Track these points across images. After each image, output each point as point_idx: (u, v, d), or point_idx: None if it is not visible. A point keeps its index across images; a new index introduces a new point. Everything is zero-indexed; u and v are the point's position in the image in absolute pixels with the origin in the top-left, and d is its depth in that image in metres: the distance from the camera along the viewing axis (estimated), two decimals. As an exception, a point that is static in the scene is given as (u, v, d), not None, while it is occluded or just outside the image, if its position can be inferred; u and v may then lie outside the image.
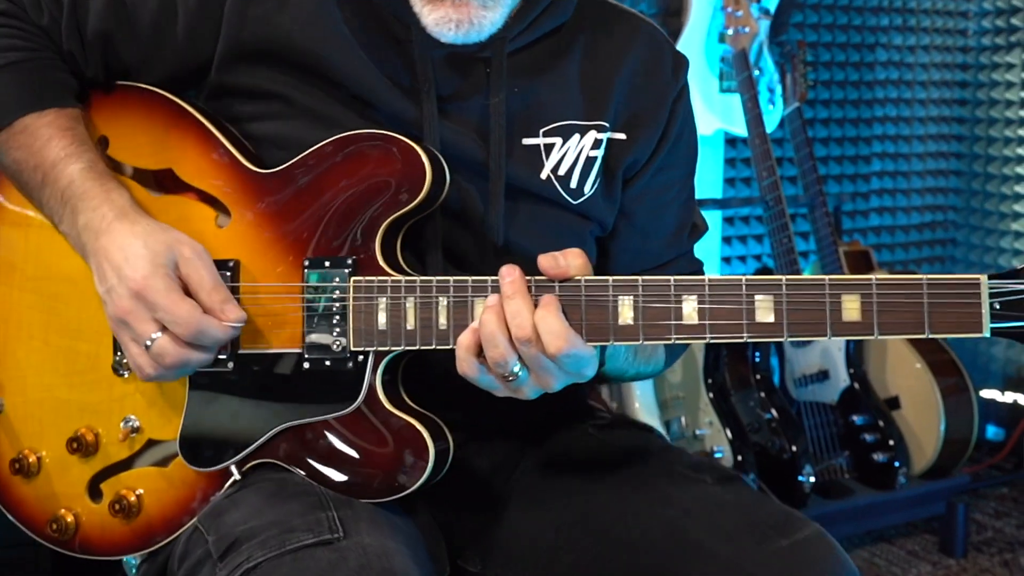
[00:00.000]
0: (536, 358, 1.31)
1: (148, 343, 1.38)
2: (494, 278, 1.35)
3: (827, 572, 1.38)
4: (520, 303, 1.31)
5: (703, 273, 1.75)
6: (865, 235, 4.58)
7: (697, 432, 3.39)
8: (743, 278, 1.33)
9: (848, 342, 3.58)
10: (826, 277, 1.31)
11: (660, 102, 1.61)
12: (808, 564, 1.38)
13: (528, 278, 1.34)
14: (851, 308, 1.30)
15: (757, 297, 1.32)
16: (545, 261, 1.34)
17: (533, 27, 1.53)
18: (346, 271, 1.42)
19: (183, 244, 1.41)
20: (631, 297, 1.34)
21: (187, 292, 1.40)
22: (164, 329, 1.38)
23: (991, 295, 1.28)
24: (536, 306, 1.31)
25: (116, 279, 1.39)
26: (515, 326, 1.30)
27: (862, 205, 4.58)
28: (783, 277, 1.32)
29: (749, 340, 1.33)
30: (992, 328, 1.28)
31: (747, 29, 3.58)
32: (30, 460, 1.58)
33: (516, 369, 1.32)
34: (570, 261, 1.34)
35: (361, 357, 1.42)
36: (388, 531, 1.35)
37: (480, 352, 1.33)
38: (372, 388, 1.41)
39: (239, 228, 1.48)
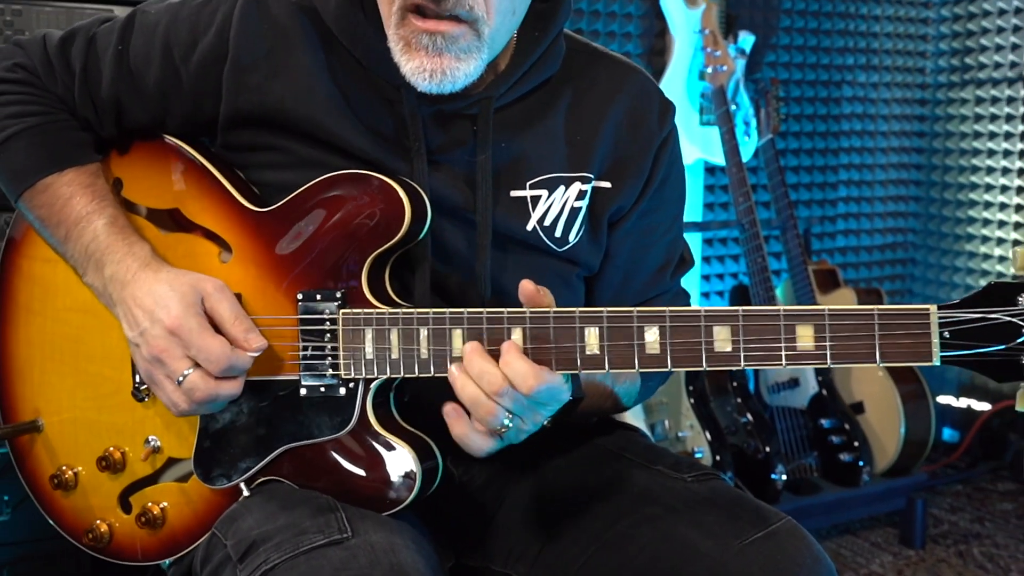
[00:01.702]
0: (517, 400, 1.28)
1: (181, 379, 1.37)
2: (470, 310, 1.33)
3: (801, 559, 1.36)
4: (481, 362, 1.28)
5: (688, 305, 1.72)
6: (832, 255, 4.57)
7: (679, 434, 3.38)
8: (702, 310, 1.28)
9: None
10: (780, 308, 1.26)
11: (645, 150, 1.55)
12: (783, 553, 1.36)
13: (502, 310, 1.32)
14: (805, 338, 1.25)
15: (715, 328, 1.27)
16: (529, 286, 1.31)
17: (520, 83, 1.48)
18: (335, 304, 1.40)
19: (205, 281, 1.40)
20: (597, 328, 1.30)
21: (213, 326, 1.39)
22: (196, 365, 1.37)
23: (941, 324, 1.21)
24: (498, 357, 1.29)
25: (149, 321, 1.38)
26: (486, 383, 1.28)
27: (829, 227, 4.57)
28: (740, 308, 1.27)
29: (709, 369, 1.28)
30: (942, 356, 1.22)
31: (725, 68, 3.58)
32: (67, 475, 1.58)
33: (507, 422, 1.30)
34: (546, 294, 1.32)
35: (352, 384, 1.40)
36: (394, 528, 1.34)
37: (467, 412, 1.31)
38: (364, 412, 1.40)
39: (240, 263, 1.46)
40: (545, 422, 1.36)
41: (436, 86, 1.35)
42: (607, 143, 1.53)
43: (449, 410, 1.32)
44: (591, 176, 1.52)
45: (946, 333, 1.22)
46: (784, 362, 1.26)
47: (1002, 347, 1.21)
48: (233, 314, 1.39)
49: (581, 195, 1.52)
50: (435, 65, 1.34)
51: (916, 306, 1.23)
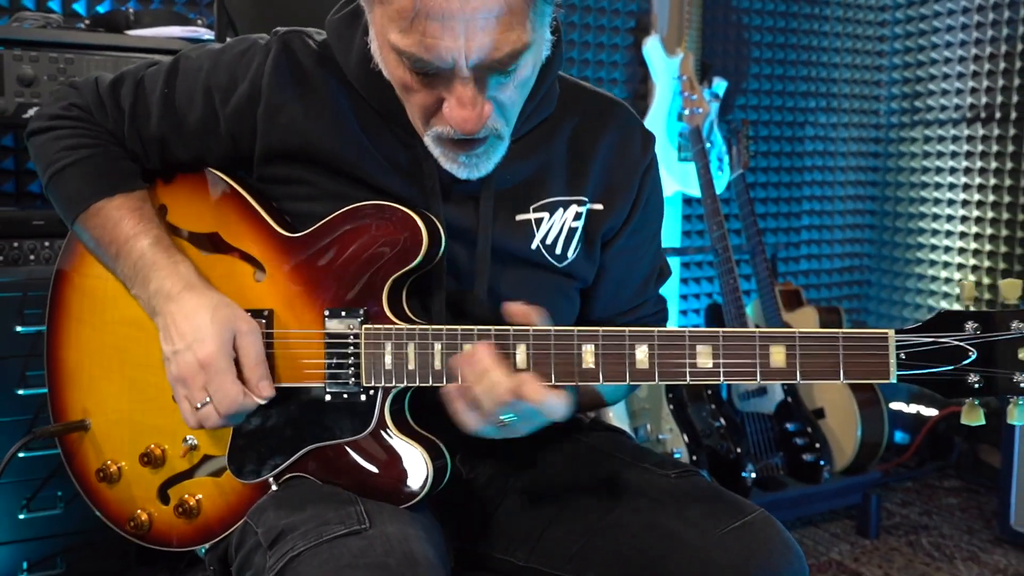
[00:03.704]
0: (522, 410, 1.29)
1: (199, 406, 1.39)
2: (479, 327, 1.34)
3: (772, 546, 1.37)
4: (497, 375, 1.28)
5: (666, 309, 1.73)
6: (796, 277, 4.58)
7: (660, 436, 3.38)
8: (687, 330, 1.28)
9: (783, 364, 3.58)
10: (756, 330, 1.26)
11: (631, 175, 1.56)
12: (758, 541, 1.37)
13: (508, 328, 1.32)
14: (777, 357, 1.26)
15: (698, 347, 1.28)
16: (513, 306, 1.34)
17: (523, 124, 1.48)
18: (358, 320, 1.40)
19: (240, 320, 1.41)
20: (592, 345, 1.31)
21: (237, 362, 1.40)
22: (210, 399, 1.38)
23: (898, 347, 1.22)
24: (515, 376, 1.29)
25: (184, 346, 1.39)
26: (492, 397, 1.28)
27: (794, 252, 4.58)
28: (720, 330, 1.27)
29: (692, 383, 1.28)
30: (898, 375, 1.23)
31: (700, 110, 3.58)
32: (112, 469, 1.58)
33: (505, 418, 1.30)
34: (532, 311, 1.34)
35: (372, 391, 1.40)
36: (407, 520, 1.34)
37: (471, 404, 1.31)
38: (382, 417, 1.40)
39: (272, 282, 1.46)
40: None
41: (471, 175, 1.38)
42: (598, 170, 1.54)
43: (451, 388, 1.33)
44: (586, 199, 1.53)
45: (902, 355, 1.23)
46: (759, 378, 1.26)
47: (951, 368, 1.22)
48: (256, 359, 1.40)
49: (577, 216, 1.53)
50: (472, 164, 1.36)
51: (876, 330, 1.24)
